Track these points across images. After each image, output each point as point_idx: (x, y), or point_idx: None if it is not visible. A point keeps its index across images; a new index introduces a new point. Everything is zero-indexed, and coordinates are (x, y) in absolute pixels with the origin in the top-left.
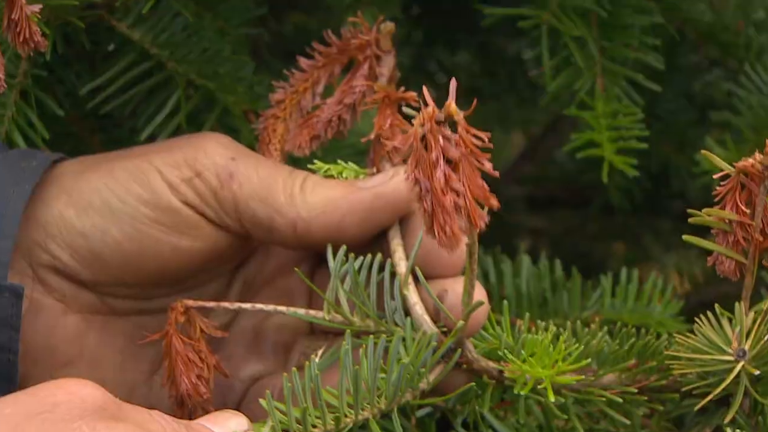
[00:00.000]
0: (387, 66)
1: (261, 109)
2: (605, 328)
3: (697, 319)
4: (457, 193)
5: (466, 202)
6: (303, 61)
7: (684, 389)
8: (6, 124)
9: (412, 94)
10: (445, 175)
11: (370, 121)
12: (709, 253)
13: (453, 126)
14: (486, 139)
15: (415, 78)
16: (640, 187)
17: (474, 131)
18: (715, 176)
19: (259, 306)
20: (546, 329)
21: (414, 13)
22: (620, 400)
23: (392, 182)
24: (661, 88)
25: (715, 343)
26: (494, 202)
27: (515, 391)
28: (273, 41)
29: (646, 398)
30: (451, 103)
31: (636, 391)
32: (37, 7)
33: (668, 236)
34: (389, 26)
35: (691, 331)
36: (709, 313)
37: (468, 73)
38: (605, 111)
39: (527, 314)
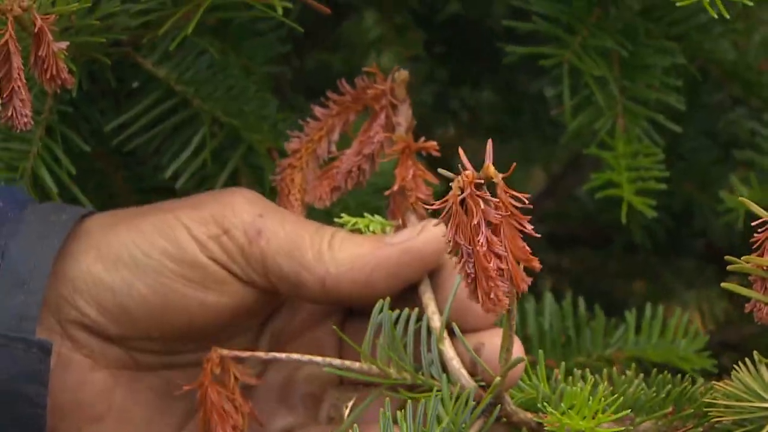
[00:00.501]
0: (404, 115)
1: (284, 148)
2: (641, 375)
3: (735, 366)
4: (500, 258)
5: (508, 266)
6: (317, 110)
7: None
8: (32, 160)
9: (433, 143)
10: (487, 240)
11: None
12: (733, 295)
13: (492, 188)
14: (526, 201)
15: (438, 116)
16: (662, 225)
17: (513, 193)
18: (753, 223)
19: (293, 356)
20: (583, 378)
21: (437, 51)
22: None
23: (420, 238)
24: (681, 129)
25: (754, 389)
26: (536, 264)
27: None
28: (295, 78)
29: None
30: (490, 166)
31: None
32: (64, 44)
33: (690, 275)
34: (403, 75)
35: (720, 374)
36: (747, 360)
37: (491, 111)
38: (625, 151)
39: (563, 363)
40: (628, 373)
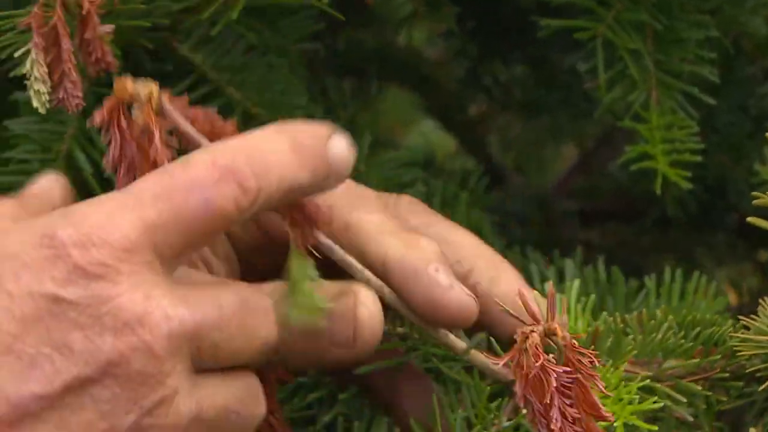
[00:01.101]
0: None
1: None
2: (670, 318)
3: (761, 301)
4: (575, 422)
5: (582, 427)
6: None
7: (749, 370)
8: (67, 142)
9: None
10: (561, 412)
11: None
12: (765, 269)
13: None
14: (595, 360)
15: (469, 92)
16: (695, 198)
17: (581, 350)
18: None
19: (349, 259)
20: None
21: (469, 27)
22: (684, 399)
23: None
24: (715, 101)
25: None
26: (610, 418)
27: None
28: (328, 56)
29: (709, 393)
30: (558, 326)
31: (700, 388)
32: (109, 28)
33: (722, 250)
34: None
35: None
36: None
37: (523, 86)
38: (660, 124)
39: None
40: (658, 314)
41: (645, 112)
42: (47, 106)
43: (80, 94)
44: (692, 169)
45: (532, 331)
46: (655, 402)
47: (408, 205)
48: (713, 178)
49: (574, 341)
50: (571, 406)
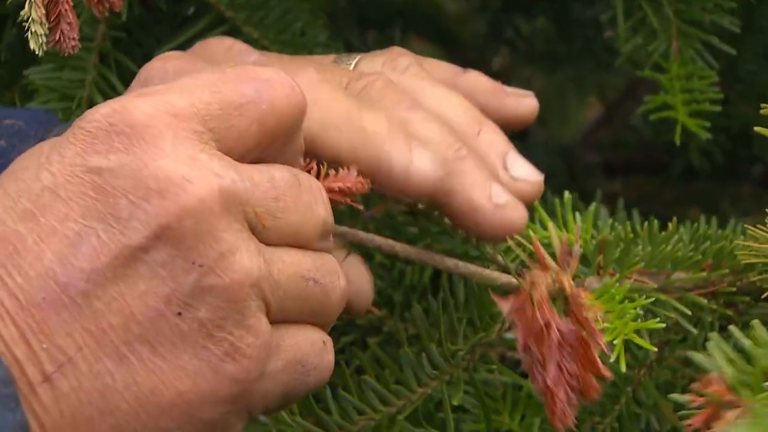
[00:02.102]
0: None
1: None
2: (681, 231)
3: None
4: (572, 376)
5: (579, 383)
6: None
7: (753, 279)
8: (87, 88)
9: None
10: (559, 366)
11: None
12: None
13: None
14: (599, 317)
15: (492, 44)
16: (720, 149)
17: (586, 305)
18: None
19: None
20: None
21: None
22: (688, 312)
23: None
24: (736, 51)
25: None
26: (608, 374)
27: None
28: (348, 8)
29: (714, 307)
30: (564, 281)
31: (706, 301)
32: None
33: (747, 201)
34: None
35: None
36: None
37: (545, 38)
38: (680, 74)
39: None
40: (670, 226)
41: (665, 62)
42: (44, 48)
43: (76, 36)
44: (716, 119)
45: (540, 280)
46: (659, 321)
47: (381, 89)
48: (738, 128)
49: (582, 296)
50: (570, 360)
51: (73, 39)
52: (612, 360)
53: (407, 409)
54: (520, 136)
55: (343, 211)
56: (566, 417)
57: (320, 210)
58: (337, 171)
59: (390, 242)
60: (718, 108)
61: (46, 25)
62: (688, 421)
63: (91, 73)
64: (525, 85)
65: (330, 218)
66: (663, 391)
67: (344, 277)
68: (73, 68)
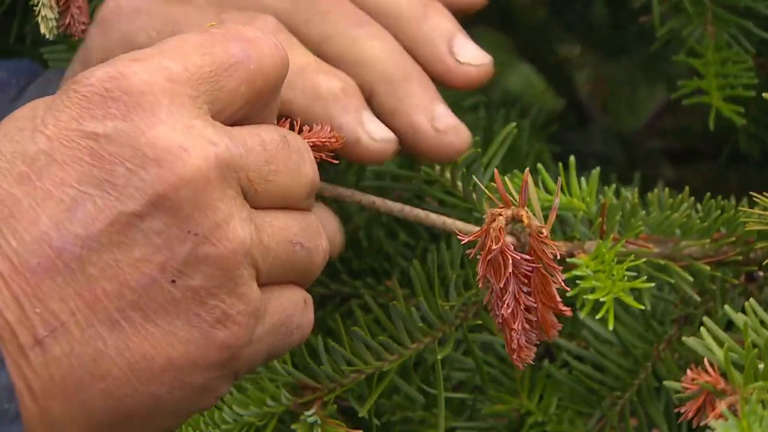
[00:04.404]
0: None
1: None
2: (691, 200)
3: None
4: (529, 311)
5: (537, 317)
6: None
7: (758, 246)
8: None
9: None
10: (515, 297)
11: None
12: None
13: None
14: (557, 252)
15: (555, 29)
16: None
17: (547, 241)
18: None
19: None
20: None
21: None
22: (690, 278)
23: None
24: None
25: None
26: (566, 312)
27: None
28: None
29: (718, 274)
30: (523, 212)
31: (709, 269)
32: None
33: None
34: None
35: None
36: None
37: (605, 26)
38: (714, 59)
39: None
40: (681, 196)
41: (699, 47)
42: (54, 32)
43: (86, 20)
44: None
45: (500, 214)
46: (646, 281)
47: (327, 3)
48: None
49: (542, 230)
50: (528, 294)
51: (83, 23)
52: (598, 317)
53: (397, 362)
54: (580, 122)
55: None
56: (524, 352)
57: (308, 169)
58: (311, 127)
59: (370, 197)
60: (752, 93)
61: (57, 10)
62: (682, 409)
63: None
64: (591, 72)
65: (317, 177)
66: (683, 368)
67: (326, 238)
68: None
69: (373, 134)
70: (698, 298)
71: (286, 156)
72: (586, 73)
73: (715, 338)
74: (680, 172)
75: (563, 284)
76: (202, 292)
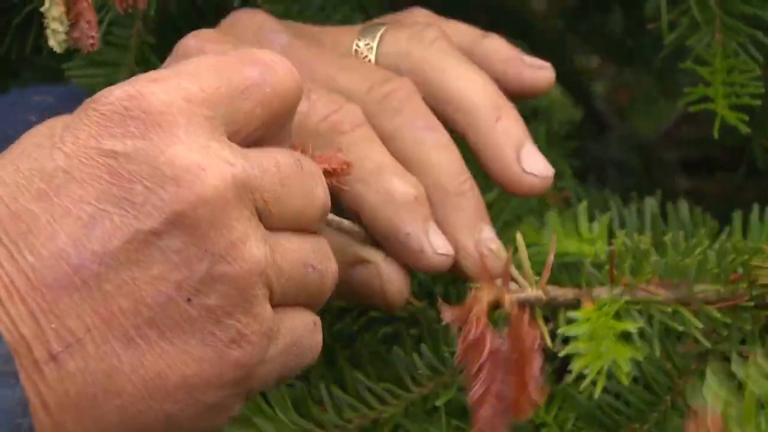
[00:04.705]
0: None
1: None
2: (706, 244)
3: None
4: (498, 396)
5: (511, 401)
6: None
7: None
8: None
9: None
10: (488, 383)
11: None
12: None
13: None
14: (537, 341)
15: (572, 39)
16: None
17: (527, 328)
18: None
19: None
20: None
21: None
22: (700, 324)
23: None
24: None
25: None
26: (540, 400)
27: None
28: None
29: (729, 320)
30: (507, 299)
31: (719, 315)
32: None
33: None
34: None
35: None
36: None
37: (622, 35)
38: (722, 67)
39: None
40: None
41: (707, 54)
42: (64, 45)
43: (95, 34)
44: None
45: (482, 296)
46: (641, 346)
47: (402, 100)
48: None
49: (523, 315)
50: (503, 380)
51: (92, 37)
52: (587, 383)
53: (401, 407)
54: (598, 130)
55: None
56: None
57: (320, 193)
58: (321, 152)
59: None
60: (757, 102)
61: (66, 23)
62: None
63: (123, 72)
64: (612, 80)
65: (328, 201)
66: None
67: (335, 261)
68: (109, 65)
69: (437, 248)
70: (709, 345)
71: (300, 179)
72: (604, 83)
73: (717, 389)
74: (698, 182)
75: (537, 373)
76: (218, 311)
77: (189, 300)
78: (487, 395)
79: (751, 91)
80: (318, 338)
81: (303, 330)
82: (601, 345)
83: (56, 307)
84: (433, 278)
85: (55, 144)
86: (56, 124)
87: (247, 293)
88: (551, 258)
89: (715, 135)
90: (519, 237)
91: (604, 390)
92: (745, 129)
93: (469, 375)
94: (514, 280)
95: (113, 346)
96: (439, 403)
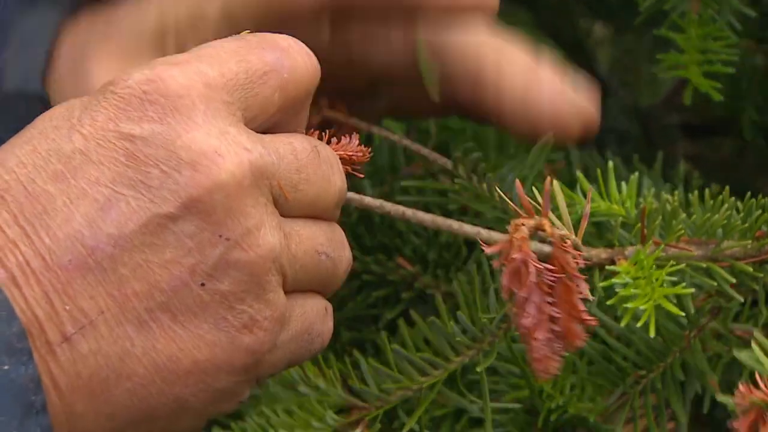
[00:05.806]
0: None
1: None
2: (732, 200)
3: None
4: (553, 321)
5: (562, 328)
6: None
7: None
8: None
9: None
10: (538, 309)
11: None
12: None
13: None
14: (581, 259)
15: (575, 5)
16: None
17: (570, 250)
18: None
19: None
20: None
21: None
22: (733, 279)
23: None
24: (756, 13)
25: None
26: (592, 322)
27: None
28: None
29: (761, 274)
30: (545, 222)
31: (751, 269)
32: None
33: None
34: None
35: None
36: None
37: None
38: (697, 34)
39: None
40: (719, 198)
41: (682, 21)
42: None
43: None
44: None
45: (522, 224)
46: (684, 287)
47: None
48: None
49: (566, 240)
50: (552, 304)
51: None
52: (640, 325)
53: (442, 376)
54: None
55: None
56: (548, 363)
57: (337, 180)
58: (339, 139)
59: (399, 208)
60: (731, 69)
61: None
62: (735, 424)
63: None
64: (610, 45)
65: (345, 188)
66: (711, 363)
67: (349, 248)
68: None
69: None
70: (741, 299)
71: (316, 165)
72: (607, 49)
73: (766, 352)
74: (699, 147)
75: (588, 294)
76: (231, 297)
77: (202, 285)
78: (538, 323)
79: (723, 59)
80: (329, 324)
81: (314, 316)
82: (649, 287)
83: (70, 288)
84: (428, 243)
85: (73, 126)
86: (74, 104)
87: (260, 279)
88: (587, 208)
89: (686, 101)
90: (556, 183)
91: (616, 337)
92: (717, 96)
93: (517, 304)
94: (551, 223)
95: (126, 329)
96: (481, 368)
